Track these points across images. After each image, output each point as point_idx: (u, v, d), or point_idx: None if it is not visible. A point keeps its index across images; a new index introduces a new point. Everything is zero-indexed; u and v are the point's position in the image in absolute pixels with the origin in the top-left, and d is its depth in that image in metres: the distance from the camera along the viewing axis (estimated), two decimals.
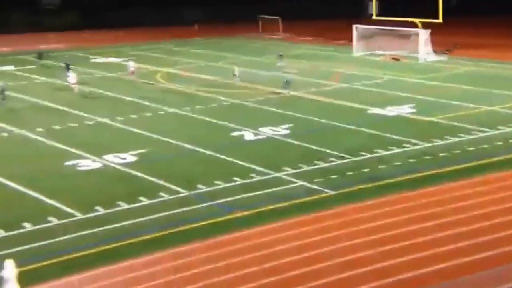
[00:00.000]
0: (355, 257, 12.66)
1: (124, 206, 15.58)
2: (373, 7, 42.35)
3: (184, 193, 16.45)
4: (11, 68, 35.96)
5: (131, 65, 33.81)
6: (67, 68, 32.78)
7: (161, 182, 17.25)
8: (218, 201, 15.85)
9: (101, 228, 14.21)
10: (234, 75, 31.92)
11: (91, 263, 12.52)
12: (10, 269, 10.73)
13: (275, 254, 12.80)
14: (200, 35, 52.81)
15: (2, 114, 24.86)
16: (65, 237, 13.79)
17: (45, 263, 12.56)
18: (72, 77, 29.60)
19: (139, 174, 18.05)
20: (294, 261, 12.52)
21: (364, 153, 19.54)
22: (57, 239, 13.67)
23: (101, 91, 30.23)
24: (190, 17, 57.59)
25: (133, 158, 19.49)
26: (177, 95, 29.58)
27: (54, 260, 12.67)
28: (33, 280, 11.68)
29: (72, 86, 29.28)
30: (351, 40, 42.16)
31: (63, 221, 14.68)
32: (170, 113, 25.89)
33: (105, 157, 19.53)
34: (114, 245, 13.37)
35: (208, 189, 16.68)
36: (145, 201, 15.88)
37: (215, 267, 12.31)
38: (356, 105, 26.72)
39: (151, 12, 57.57)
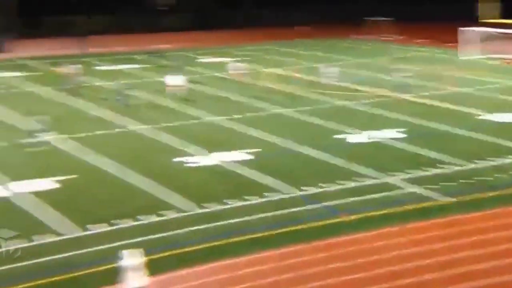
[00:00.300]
0: (473, 269, 12.07)
1: (231, 204, 15.88)
2: (481, 9, 40.20)
3: (290, 193, 16.49)
4: (128, 66, 37.94)
5: (238, 65, 34.48)
6: (176, 68, 34.09)
7: (268, 181, 17.41)
8: (324, 203, 15.75)
9: (210, 225, 14.55)
10: (323, 74, 31.68)
11: (203, 258, 12.82)
12: (131, 258, 11.09)
13: (383, 260, 12.50)
14: (309, 36, 52.74)
15: (118, 111, 26.26)
16: (177, 231, 14.25)
17: (160, 255, 13.00)
18: (173, 78, 30.05)
19: (246, 172, 18.33)
20: (404, 269, 12.14)
21: (477, 160, 18.65)
22: (169, 233, 14.15)
23: (210, 90, 31.08)
24: (299, 18, 57.64)
25: (240, 157, 19.81)
26: (283, 95, 29.78)
27: (167, 253, 13.12)
28: (152, 270, 11.92)
29: (169, 87, 29.63)
30: (461, 43, 40.33)
31: (174, 216, 15.17)
32: (276, 114, 26.10)
33: (213, 155, 19.99)
34: (223, 242, 13.62)
35: (314, 191, 16.63)
36: (251, 199, 16.10)
37: (321, 269, 12.21)
38: (468, 110, 25.53)
39: (263, 12, 58.24)
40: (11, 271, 12.32)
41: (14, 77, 32.94)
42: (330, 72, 32.41)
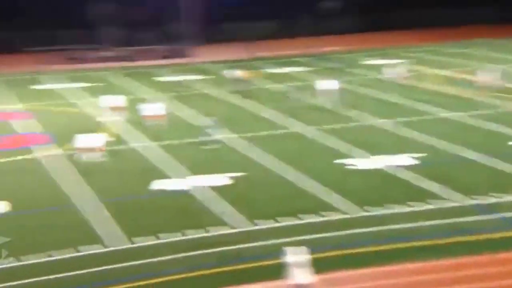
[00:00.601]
0: None
1: (394, 209, 15.62)
2: None
3: (459, 202, 15.78)
4: (293, 69, 38.84)
5: (401, 67, 33.60)
6: (338, 70, 34.27)
7: (434, 188, 16.84)
8: (502, 215, 14.83)
9: (373, 229, 14.46)
10: (484, 75, 29.40)
11: (366, 262, 12.80)
12: (295, 255, 11.43)
13: None
14: (479, 35, 49.64)
15: (283, 112, 26.71)
16: (339, 233, 14.38)
17: (322, 255, 13.13)
18: (325, 82, 29.41)
19: (410, 178, 17.89)
20: None
21: None
22: (331, 234, 14.33)
23: (371, 93, 30.66)
24: (471, 18, 54.35)
25: (404, 162, 19.35)
26: (449, 98, 28.49)
27: (330, 254, 13.29)
28: (314, 269, 12.03)
29: (320, 90, 29.05)
30: None
31: (336, 217, 15.33)
32: (442, 117, 25.03)
33: (375, 158, 19.79)
34: (387, 247, 13.46)
35: (488, 200, 15.74)
36: (416, 206, 15.69)
37: (500, 285, 11.57)
38: None
39: (434, 12, 55.94)
40: (188, 259, 13.30)
41: (194, 80, 35.43)
42: (491, 73, 30.08)
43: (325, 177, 18.38)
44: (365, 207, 15.77)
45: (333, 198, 16.51)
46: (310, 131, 23.71)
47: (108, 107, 25.49)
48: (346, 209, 15.78)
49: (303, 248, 11.62)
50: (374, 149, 20.72)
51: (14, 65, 39.88)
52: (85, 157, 20.14)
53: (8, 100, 29.66)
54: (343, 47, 47.09)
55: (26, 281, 12.45)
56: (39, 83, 34.55)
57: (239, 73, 33.25)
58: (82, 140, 20.06)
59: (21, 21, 42.14)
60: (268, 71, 38.26)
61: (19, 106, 28.60)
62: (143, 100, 26.95)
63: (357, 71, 37.07)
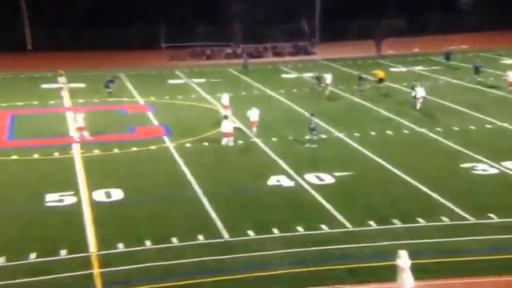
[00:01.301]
0: None
1: None
2: None
3: None
4: (419, 68, 37.51)
5: None
6: (470, 70, 32.53)
7: None
8: None
9: (495, 237, 13.77)
10: None
11: (479, 270, 12.26)
12: (406, 259, 11.20)
13: None
14: None
15: (406, 113, 25.85)
16: (456, 239, 13.78)
17: (432, 260, 12.78)
18: (419, 90, 27.32)
19: None
20: None
21: None
22: (447, 239, 13.78)
23: (501, 94, 28.81)
24: None
25: None
26: None
27: (440, 259, 12.83)
28: (425, 274, 11.99)
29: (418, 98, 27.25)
30: None
31: (454, 222, 14.71)
32: None
33: (504, 163, 18.67)
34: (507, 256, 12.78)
35: None
36: None
37: None
38: None
39: None
40: (296, 255, 13.43)
41: (317, 77, 35.09)
42: None
43: (450, 181, 17.64)
44: (490, 214, 14.98)
45: (456, 202, 15.80)
46: (436, 133, 22.74)
47: (224, 104, 26.33)
48: (467, 214, 15.06)
49: (406, 252, 11.27)
50: (503, 154, 19.51)
51: (154, 60, 42.74)
52: (224, 142, 21.66)
53: (144, 93, 31.80)
54: (478, 45, 44.50)
55: (144, 265, 13.15)
56: (172, 78, 36.67)
57: (364, 72, 32.62)
58: (225, 126, 21.74)
59: (160, 19, 45.11)
60: (393, 70, 37.19)
61: (152, 99, 30.55)
62: (267, 98, 27.37)
63: (493, 71, 34.78)
